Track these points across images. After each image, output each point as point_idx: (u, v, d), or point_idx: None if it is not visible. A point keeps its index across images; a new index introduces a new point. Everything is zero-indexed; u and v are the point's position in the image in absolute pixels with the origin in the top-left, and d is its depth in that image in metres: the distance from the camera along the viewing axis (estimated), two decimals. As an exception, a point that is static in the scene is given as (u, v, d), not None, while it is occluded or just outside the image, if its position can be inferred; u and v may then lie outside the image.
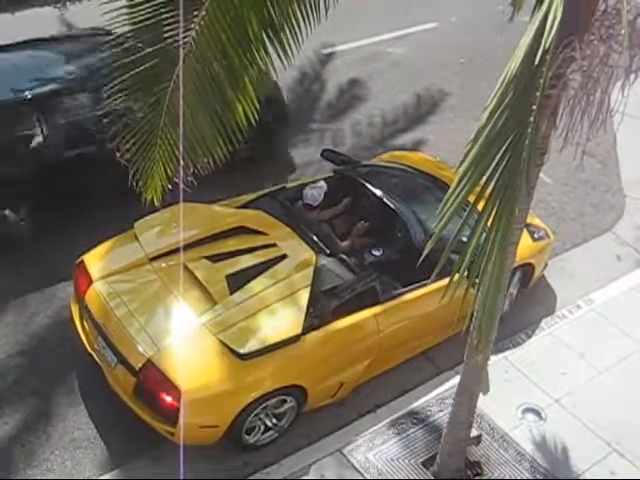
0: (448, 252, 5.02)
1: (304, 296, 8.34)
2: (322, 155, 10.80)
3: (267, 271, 8.53)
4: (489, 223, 4.91)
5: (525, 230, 10.02)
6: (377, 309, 8.74)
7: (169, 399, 7.67)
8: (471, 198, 5.02)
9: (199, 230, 8.97)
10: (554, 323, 10.24)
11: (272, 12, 5.98)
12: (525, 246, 9.77)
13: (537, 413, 9.01)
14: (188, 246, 8.73)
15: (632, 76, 5.14)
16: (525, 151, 4.54)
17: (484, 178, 4.87)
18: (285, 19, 6.03)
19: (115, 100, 6.45)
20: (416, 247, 8.91)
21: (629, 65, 5.14)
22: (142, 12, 6.20)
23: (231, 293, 8.29)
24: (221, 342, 7.92)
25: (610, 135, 12.70)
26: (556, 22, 4.18)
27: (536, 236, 10.36)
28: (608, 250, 11.77)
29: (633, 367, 9.68)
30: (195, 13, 5.95)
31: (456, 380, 7.92)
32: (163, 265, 8.65)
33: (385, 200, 9.73)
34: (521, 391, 9.24)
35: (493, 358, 8.66)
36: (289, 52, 6.14)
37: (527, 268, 10.18)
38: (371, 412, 8.92)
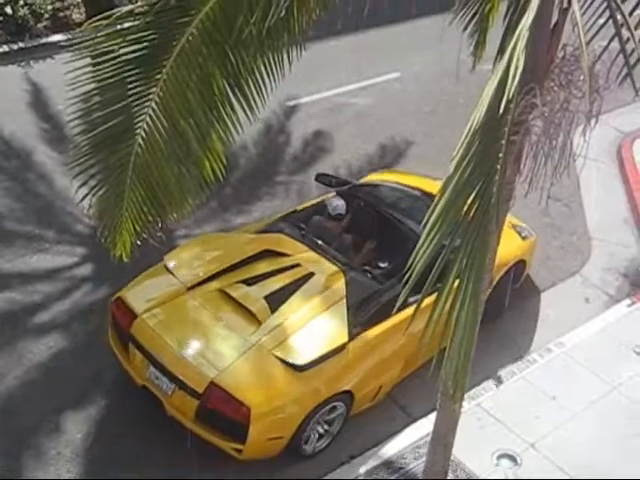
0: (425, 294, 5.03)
1: (342, 307, 8.95)
2: (317, 180, 11.50)
3: (300, 289, 9.09)
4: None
5: (513, 230, 10.79)
6: (406, 313, 8.89)
7: (237, 416, 8.10)
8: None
9: (228, 257, 9.48)
10: (525, 367, 10.25)
11: (236, 68, 6.03)
12: (517, 246, 10.80)
13: (512, 458, 8.99)
14: (221, 273, 9.28)
15: (592, 121, 5.23)
16: (494, 198, 4.59)
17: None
18: (249, 74, 6.08)
19: (82, 158, 6.46)
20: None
21: (589, 110, 5.23)
22: (106, 69, 6.21)
23: (272, 312, 8.81)
24: (277, 357, 8.42)
25: (573, 179, 13.01)
26: (518, 72, 4.24)
27: (523, 235, 11.11)
28: (576, 293, 11.85)
29: (605, 408, 9.70)
30: (159, 70, 5.98)
31: (430, 428, 7.90)
32: (202, 293, 9.09)
33: (390, 216, 10.39)
34: (495, 436, 9.22)
35: (466, 405, 8.64)
36: (254, 106, 6.20)
37: (520, 265, 11.07)
38: (345, 463, 8.86)
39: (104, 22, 6.10)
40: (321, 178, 11.47)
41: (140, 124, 6.09)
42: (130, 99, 6.10)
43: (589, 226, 13.22)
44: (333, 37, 15.10)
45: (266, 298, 8.93)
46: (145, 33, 6.07)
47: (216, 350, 8.53)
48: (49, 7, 16.70)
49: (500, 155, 4.62)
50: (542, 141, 5.25)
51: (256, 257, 9.51)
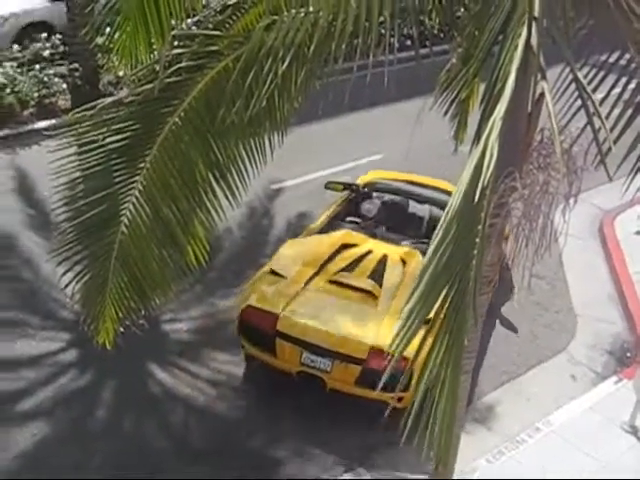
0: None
1: None
2: (327, 187, 13.10)
3: (387, 267, 10.86)
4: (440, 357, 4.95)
5: None
6: None
7: (400, 369, 8.96)
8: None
9: (320, 255, 11.08)
10: (514, 448, 10.16)
11: (218, 155, 6.14)
12: None
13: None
14: (321, 268, 10.87)
15: (572, 201, 5.30)
16: (471, 283, 4.61)
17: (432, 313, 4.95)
18: (232, 161, 6.19)
19: (67, 245, 6.50)
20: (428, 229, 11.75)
21: (568, 191, 5.30)
22: (91, 158, 6.30)
23: (381, 286, 10.51)
24: None
25: (557, 257, 13.11)
26: (493, 160, 4.31)
27: None
28: (563, 370, 11.82)
29: (596, 488, 9.63)
30: (143, 158, 6.06)
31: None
32: (317, 285, 10.63)
33: (405, 204, 12.64)
34: (486, 520, 9.13)
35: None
36: (236, 192, 6.28)
37: None
38: None
39: (88, 113, 6.21)
40: (330, 185, 13.10)
41: (124, 212, 6.16)
42: (114, 187, 6.18)
43: (574, 303, 13.25)
44: (315, 121, 15.24)
45: (370, 277, 10.64)
46: (129, 123, 6.18)
47: (359, 323, 10.00)
48: (35, 94, 16.89)
49: (477, 240, 4.66)
50: (523, 223, 5.30)
51: (338, 251, 11.19)
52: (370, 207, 12.33)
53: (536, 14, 4.73)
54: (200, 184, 6.14)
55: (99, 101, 6.24)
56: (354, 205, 12.66)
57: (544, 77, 4.98)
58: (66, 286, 6.76)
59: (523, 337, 11.89)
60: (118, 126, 6.19)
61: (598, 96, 6.00)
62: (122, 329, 6.64)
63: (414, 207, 12.60)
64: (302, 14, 5.82)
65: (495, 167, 4.36)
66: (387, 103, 17.03)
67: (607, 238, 15.00)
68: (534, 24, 4.73)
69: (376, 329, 9.79)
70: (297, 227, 14.28)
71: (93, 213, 6.28)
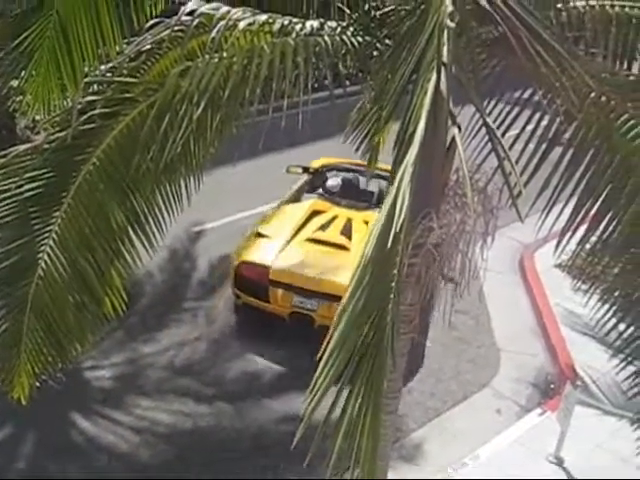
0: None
1: None
2: (287, 171, 14.94)
3: (353, 226, 13.06)
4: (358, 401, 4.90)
5: None
6: None
7: None
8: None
9: (297, 219, 13.28)
10: (442, 484, 10.20)
11: (134, 202, 6.08)
12: None
13: None
14: (300, 229, 13.04)
15: (489, 238, 5.35)
16: (388, 327, 4.60)
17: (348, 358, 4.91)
18: (148, 208, 6.14)
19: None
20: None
21: (485, 229, 5.35)
22: (6, 207, 6.18)
23: (350, 240, 12.69)
24: None
25: (479, 292, 13.23)
26: (405, 206, 4.31)
27: None
28: (488, 405, 11.90)
29: (523, 522, 9.68)
30: (57, 207, 5.97)
31: None
32: (298, 242, 12.78)
33: (356, 180, 14.74)
34: None
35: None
36: (153, 241, 6.22)
37: None
38: None
39: (1, 160, 6.10)
40: (291, 169, 14.96)
41: (39, 262, 6.04)
42: (29, 237, 6.07)
43: (497, 337, 13.37)
44: (232, 163, 15.22)
45: (341, 235, 12.79)
46: (43, 171, 6.08)
47: (337, 269, 11.80)
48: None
49: (393, 284, 4.67)
50: (442, 262, 5.33)
51: (311, 216, 13.40)
52: (334, 183, 14.58)
53: (445, 60, 4.79)
54: (116, 232, 6.07)
55: (12, 149, 6.15)
56: (312, 184, 14.84)
57: (454, 122, 5.03)
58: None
59: (448, 373, 11.92)
60: (32, 174, 6.08)
61: (513, 132, 6.14)
62: (38, 383, 6.49)
63: (364, 182, 14.63)
64: (216, 59, 5.82)
65: (409, 211, 4.38)
66: (303, 144, 17.14)
67: (527, 271, 15.23)
68: (443, 70, 4.78)
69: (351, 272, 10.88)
70: (219, 269, 14.21)
71: (7, 263, 6.15)
